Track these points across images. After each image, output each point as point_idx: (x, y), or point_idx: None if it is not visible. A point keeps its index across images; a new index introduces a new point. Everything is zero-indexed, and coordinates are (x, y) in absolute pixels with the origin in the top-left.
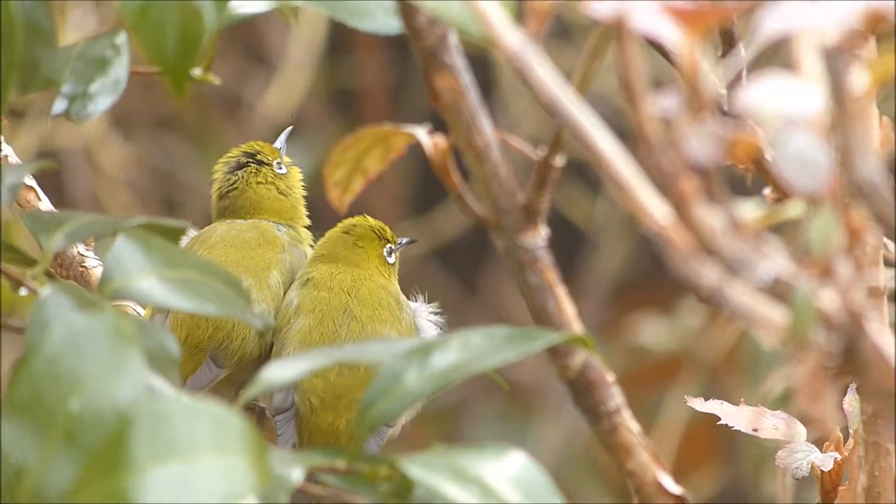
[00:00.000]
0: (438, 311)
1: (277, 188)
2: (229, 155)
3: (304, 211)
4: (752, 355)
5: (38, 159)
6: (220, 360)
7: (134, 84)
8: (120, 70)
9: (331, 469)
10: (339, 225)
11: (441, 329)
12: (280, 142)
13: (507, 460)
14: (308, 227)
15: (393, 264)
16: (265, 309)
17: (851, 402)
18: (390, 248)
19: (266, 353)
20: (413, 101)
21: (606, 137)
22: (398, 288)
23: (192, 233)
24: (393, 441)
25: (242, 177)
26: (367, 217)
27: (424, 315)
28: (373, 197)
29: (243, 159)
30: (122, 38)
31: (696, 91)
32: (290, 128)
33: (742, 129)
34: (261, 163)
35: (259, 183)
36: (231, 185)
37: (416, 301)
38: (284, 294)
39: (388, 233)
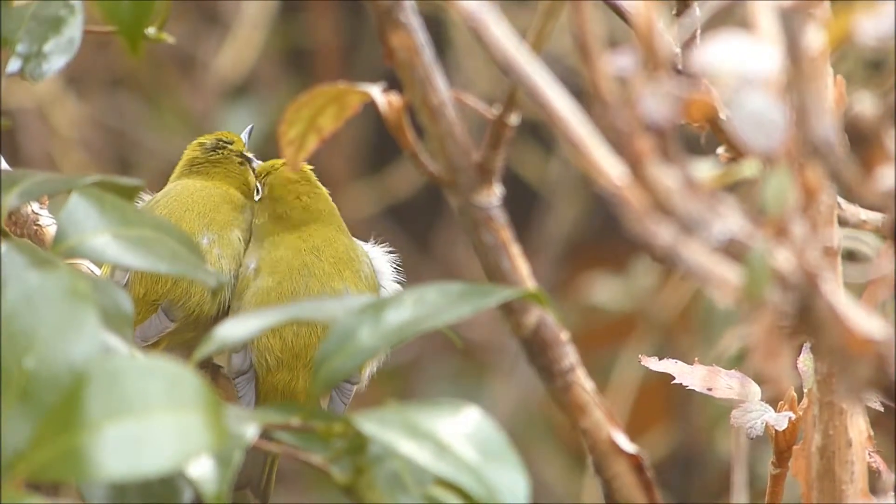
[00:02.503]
0: (390, 250)
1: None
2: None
3: None
4: (707, 314)
5: None
6: (172, 314)
7: (88, 43)
8: (74, 29)
9: (286, 426)
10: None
11: (396, 268)
12: (244, 139)
13: (461, 416)
14: None
15: (259, 199)
16: (225, 265)
17: (806, 361)
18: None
19: (223, 314)
20: (368, 60)
21: (561, 96)
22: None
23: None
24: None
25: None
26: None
27: (380, 256)
28: (327, 155)
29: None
30: None
31: (652, 50)
32: (251, 127)
33: (697, 88)
34: (248, 159)
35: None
36: (210, 156)
37: (369, 244)
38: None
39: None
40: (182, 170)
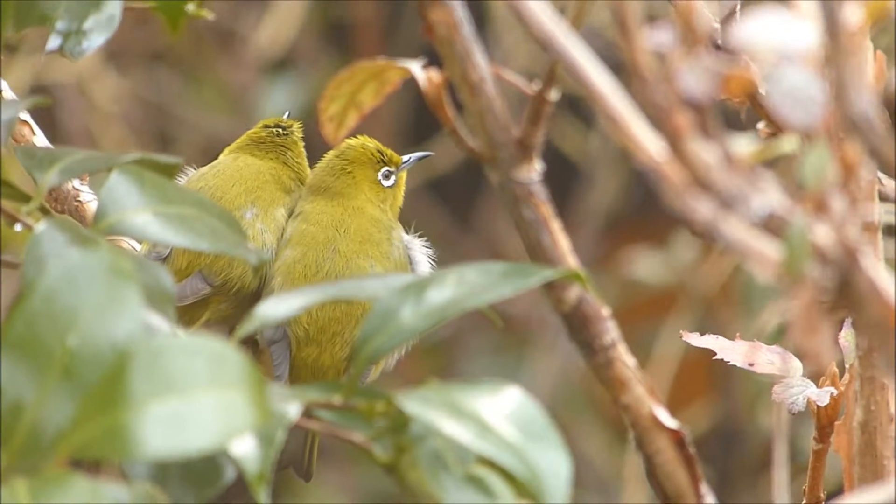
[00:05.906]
0: (427, 244)
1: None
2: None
3: None
4: (747, 289)
5: (32, 94)
6: (209, 278)
7: (128, 18)
8: (114, 6)
9: (328, 405)
10: (334, 149)
11: (433, 262)
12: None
13: (503, 395)
14: None
15: (391, 186)
16: (268, 239)
17: (847, 336)
18: (387, 170)
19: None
20: (407, 36)
21: (600, 72)
22: (392, 217)
23: (192, 170)
24: (388, 376)
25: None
26: (365, 138)
27: (418, 248)
28: (367, 131)
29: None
30: None
31: (691, 26)
32: (288, 113)
33: (736, 64)
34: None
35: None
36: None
37: (409, 234)
38: None
39: (388, 153)
40: (238, 145)
